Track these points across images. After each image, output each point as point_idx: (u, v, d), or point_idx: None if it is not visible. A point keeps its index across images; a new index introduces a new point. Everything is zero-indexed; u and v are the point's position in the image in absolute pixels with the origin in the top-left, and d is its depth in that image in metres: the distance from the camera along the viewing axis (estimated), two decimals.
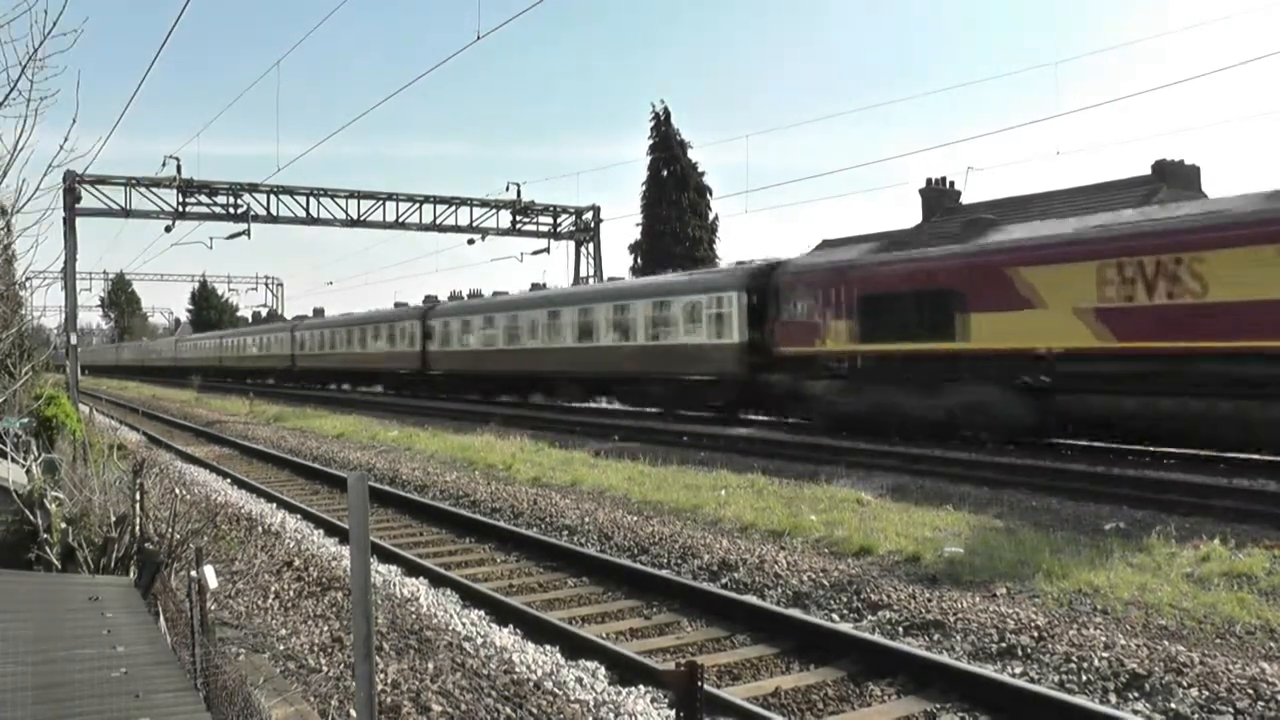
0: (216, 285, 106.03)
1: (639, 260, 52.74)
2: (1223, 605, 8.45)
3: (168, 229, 40.04)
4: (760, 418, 27.60)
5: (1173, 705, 6.62)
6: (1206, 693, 6.67)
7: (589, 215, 46.79)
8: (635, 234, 54.21)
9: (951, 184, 45.51)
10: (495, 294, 44.97)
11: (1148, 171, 37.40)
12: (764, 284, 25.87)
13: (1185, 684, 6.82)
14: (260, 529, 13.92)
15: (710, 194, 53.38)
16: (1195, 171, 36.67)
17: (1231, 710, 6.45)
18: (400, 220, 43.34)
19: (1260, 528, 11.60)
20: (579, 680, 7.28)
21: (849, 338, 22.55)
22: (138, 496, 7.97)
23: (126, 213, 38.94)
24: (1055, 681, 7.22)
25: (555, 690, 7.06)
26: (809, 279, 24.06)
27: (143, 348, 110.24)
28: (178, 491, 14.42)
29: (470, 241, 45.22)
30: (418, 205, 43.59)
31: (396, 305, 53.89)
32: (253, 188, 40.32)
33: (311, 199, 41.84)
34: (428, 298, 51.99)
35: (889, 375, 21.63)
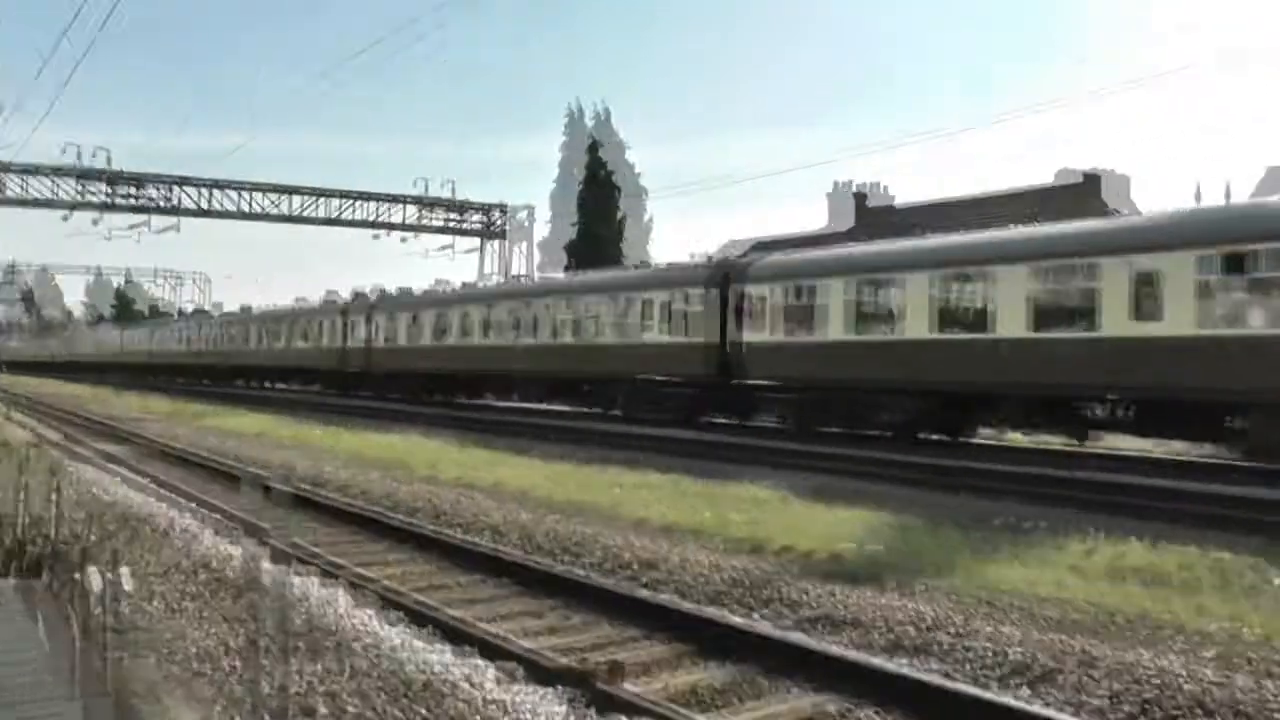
0: (141, 280, 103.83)
1: (573, 262, 52.71)
2: (1137, 600, 8.62)
3: (94, 222, 39.74)
4: None
5: (1083, 698, 6.74)
6: (1118, 685, 6.80)
7: (497, 213, 47.26)
8: (569, 233, 54.13)
9: (861, 190, 46.81)
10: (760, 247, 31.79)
11: (1066, 181, 38.23)
12: None
13: (1098, 676, 6.95)
14: (174, 530, 13.46)
15: (646, 195, 53.63)
16: (1125, 181, 37.83)
17: (1140, 700, 6.58)
18: (337, 216, 43.25)
19: (1179, 526, 11.84)
20: (497, 680, 7.16)
21: None
22: (53, 497, 7.72)
23: (50, 204, 38.25)
24: (971, 676, 7.29)
25: (471, 690, 6.93)
26: None
27: (131, 337, 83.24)
28: (94, 492, 14.04)
29: (375, 237, 45.96)
30: (326, 199, 43.83)
31: (327, 299, 48.29)
32: (184, 180, 39.90)
33: (240, 194, 41.40)
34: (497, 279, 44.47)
35: None
